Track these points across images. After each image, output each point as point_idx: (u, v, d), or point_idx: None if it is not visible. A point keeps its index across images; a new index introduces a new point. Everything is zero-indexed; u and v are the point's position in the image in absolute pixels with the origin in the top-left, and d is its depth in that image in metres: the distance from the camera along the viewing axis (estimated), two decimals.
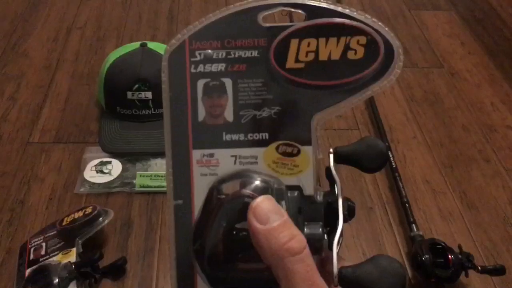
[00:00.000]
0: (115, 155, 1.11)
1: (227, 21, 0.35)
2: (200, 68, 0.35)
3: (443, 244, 0.89)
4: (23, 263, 0.90)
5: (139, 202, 1.03)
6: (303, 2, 0.34)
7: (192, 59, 0.35)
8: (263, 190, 0.33)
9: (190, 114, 0.35)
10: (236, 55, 0.35)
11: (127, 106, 1.16)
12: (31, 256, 0.90)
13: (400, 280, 0.31)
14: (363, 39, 0.33)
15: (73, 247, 0.89)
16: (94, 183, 1.05)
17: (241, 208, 0.31)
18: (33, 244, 0.92)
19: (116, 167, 1.08)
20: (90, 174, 1.07)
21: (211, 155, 0.34)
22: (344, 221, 0.33)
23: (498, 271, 0.89)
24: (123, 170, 1.08)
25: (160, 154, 1.12)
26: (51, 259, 0.88)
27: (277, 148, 0.34)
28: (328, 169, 0.35)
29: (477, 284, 0.93)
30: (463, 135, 1.23)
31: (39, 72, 1.35)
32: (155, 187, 1.05)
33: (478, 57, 1.49)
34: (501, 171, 1.14)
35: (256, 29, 0.34)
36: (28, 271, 0.87)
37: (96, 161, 1.09)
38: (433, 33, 1.58)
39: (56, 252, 0.89)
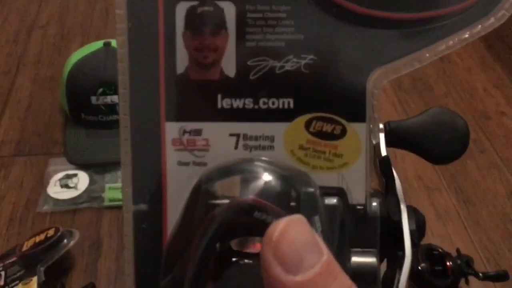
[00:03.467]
0: (81, 166, 1.04)
1: None
2: None
3: (440, 250, 0.84)
4: None
5: (108, 218, 0.96)
6: None
7: None
8: (282, 197, 0.21)
9: (162, 63, 0.23)
10: None
11: (92, 112, 1.08)
12: None
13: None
14: None
15: (34, 275, 0.82)
16: (58, 200, 0.98)
17: (246, 227, 0.21)
18: None
19: (82, 180, 1.00)
20: (54, 190, 0.99)
21: (197, 132, 0.23)
22: (413, 246, 0.23)
23: (501, 277, 0.83)
24: (91, 183, 1.00)
25: None
26: None
27: (307, 124, 0.23)
28: (383, 159, 0.24)
29: None
30: None
31: None
32: None
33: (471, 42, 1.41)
34: (497, 162, 1.08)
35: None
36: None
37: (61, 175, 1.01)
38: None
39: (16, 282, 0.83)
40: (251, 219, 0.20)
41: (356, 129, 0.23)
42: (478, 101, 1.22)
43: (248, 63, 0.23)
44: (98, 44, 1.12)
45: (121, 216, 0.95)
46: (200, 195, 0.22)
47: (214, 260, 0.21)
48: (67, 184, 1.00)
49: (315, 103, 0.23)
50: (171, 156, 0.23)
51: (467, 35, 0.23)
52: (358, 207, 0.23)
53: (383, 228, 0.23)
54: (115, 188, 0.99)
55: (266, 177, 0.22)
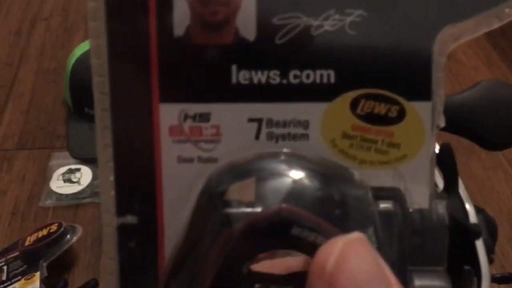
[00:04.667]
0: (84, 161, 1.03)
1: None
2: None
3: None
4: None
5: None
6: None
7: None
8: (323, 203, 0.16)
9: (153, 22, 0.17)
10: None
11: None
12: None
13: None
14: None
15: (37, 270, 0.82)
16: (61, 194, 0.97)
17: (277, 245, 0.16)
18: None
19: (85, 175, 1.00)
20: (57, 184, 0.98)
21: (204, 117, 0.18)
22: (490, 261, 0.19)
23: (507, 279, 0.82)
24: (94, 178, 0.99)
25: None
26: (11, 287, 0.80)
27: (354, 104, 0.17)
28: (442, 147, 0.19)
29: None
30: None
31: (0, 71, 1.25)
32: None
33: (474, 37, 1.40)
34: (503, 162, 1.07)
35: None
36: None
37: (64, 169, 1.00)
38: None
39: (18, 277, 0.82)
40: (287, 237, 0.15)
41: (418, 110, 0.17)
42: None
43: (274, 21, 0.17)
44: None
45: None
46: (211, 203, 0.17)
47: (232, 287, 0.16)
48: (70, 179, 0.99)
49: (364, 76, 0.17)
50: (169, 150, 0.18)
51: None
52: (420, 213, 0.18)
53: (452, 238, 0.19)
54: None
55: (299, 176, 0.16)
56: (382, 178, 0.18)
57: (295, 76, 0.17)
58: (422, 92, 0.18)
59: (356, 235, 0.14)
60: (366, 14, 0.17)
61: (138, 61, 0.17)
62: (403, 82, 0.17)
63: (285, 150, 0.18)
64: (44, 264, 0.81)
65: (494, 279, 0.82)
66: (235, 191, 0.17)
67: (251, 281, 0.16)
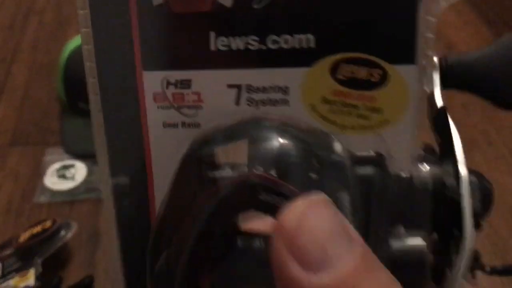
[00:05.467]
0: (79, 156, 1.01)
1: None
2: None
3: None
4: None
5: None
6: None
7: None
8: (299, 167, 0.16)
9: None
10: None
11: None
12: None
13: None
14: None
15: (31, 267, 0.80)
16: (55, 191, 0.95)
17: (256, 207, 0.16)
18: None
19: (80, 170, 0.98)
20: (51, 180, 0.96)
21: (186, 84, 0.18)
22: (476, 226, 0.18)
23: (509, 271, 0.81)
24: (88, 173, 0.98)
25: None
26: (6, 283, 0.79)
27: (334, 68, 0.17)
28: (438, 111, 0.19)
29: (484, 282, 0.85)
30: (463, 115, 1.13)
31: None
32: None
33: (475, 27, 1.38)
34: (506, 154, 1.06)
35: None
36: None
37: (58, 165, 0.99)
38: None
39: (13, 274, 0.81)
40: (255, 201, 0.16)
41: (402, 73, 0.17)
42: None
43: None
44: None
45: None
46: (194, 165, 0.18)
47: (213, 243, 0.17)
48: (64, 175, 0.97)
49: (344, 40, 0.17)
50: (154, 116, 0.19)
51: None
52: (402, 176, 0.18)
53: (436, 203, 0.18)
54: None
55: (278, 141, 0.16)
56: (364, 143, 0.18)
57: (274, 41, 0.17)
58: (406, 55, 0.17)
59: (317, 195, 0.15)
60: None
61: (120, 30, 0.18)
62: (385, 45, 0.17)
63: (265, 115, 0.17)
64: (39, 261, 0.80)
65: (496, 271, 0.81)
66: (216, 154, 0.17)
67: (232, 238, 0.17)
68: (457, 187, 0.18)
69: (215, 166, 0.17)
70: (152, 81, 0.18)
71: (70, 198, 0.94)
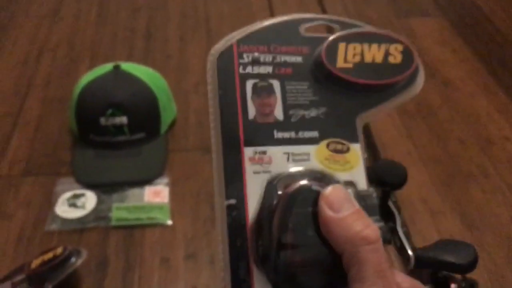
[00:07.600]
0: (89, 186, 1.04)
1: (272, 29, 0.38)
2: (249, 69, 0.36)
3: (444, 273, 0.83)
4: None
5: (115, 238, 0.95)
6: (339, 19, 0.38)
7: (241, 61, 0.36)
8: (328, 180, 0.33)
9: (240, 113, 0.35)
10: (282, 60, 0.37)
11: (100, 133, 1.08)
12: None
13: (473, 251, 0.37)
14: (400, 47, 0.38)
15: None
16: (66, 219, 0.97)
17: (308, 197, 0.32)
18: None
19: (90, 200, 1.01)
20: (62, 209, 0.99)
21: (264, 152, 0.35)
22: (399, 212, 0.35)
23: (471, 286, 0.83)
24: (98, 202, 1.00)
25: (138, 184, 1.04)
26: None
27: (327, 145, 0.36)
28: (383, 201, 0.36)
29: None
30: (459, 149, 1.17)
31: (7, 99, 1.28)
32: (133, 219, 0.97)
33: (470, 64, 1.43)
34: (502, 186, 1.08)
35: (299, 38, 0.38)
36: None
37: (68, 194, 1.02)
38: (423, 41, 1.52)
39: None
40: (311, 193, 0.32)
41: (355, 147, 0.36)
42: (482, 126, 1.23)
43: (290, 112, 0.36)
44: (108, 66, 1.13)
45: (127, 235, 0.95)
46: (272, 188, 0.33)
47: (291, 224, 0.31)
48: (74, 204, 1.00)
49: (330, 133, 0.36)
50: (249, 168, 0.34)
51: (403, 98, 0.38)
52: (363, 192, 0.35)
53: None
54: (122, 208, 0.99)
55: (311, 173, 0.34)
56: (345, 177, 0.35)
57: (301, 134, 0.36)
58: (355, 139, 0.36)
59: (338, 184, 0.32)
60: (327, 108, 0.37)
61: (233, 127, 0.35)
62: (347, 135, 0.36)
63: (303, 170, 0.35)
64: (50, 287, 0.82)
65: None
66: (285, 181, 0.33)
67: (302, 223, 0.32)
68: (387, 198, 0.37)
69: (284, 188, 0.33)
70: (248, 151, 0.35)
71: (80, 226, 0.97)
